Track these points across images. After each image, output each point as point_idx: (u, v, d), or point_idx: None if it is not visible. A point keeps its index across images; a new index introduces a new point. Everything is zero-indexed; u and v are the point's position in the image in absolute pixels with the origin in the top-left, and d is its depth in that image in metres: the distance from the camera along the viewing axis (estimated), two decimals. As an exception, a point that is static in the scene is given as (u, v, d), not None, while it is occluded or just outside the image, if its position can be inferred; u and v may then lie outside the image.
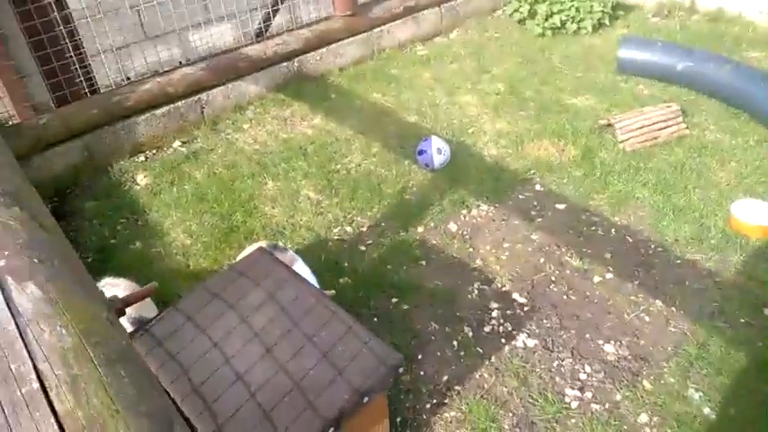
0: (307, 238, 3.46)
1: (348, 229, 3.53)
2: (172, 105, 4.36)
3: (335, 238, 3.47)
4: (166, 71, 4.37)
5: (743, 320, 2.80)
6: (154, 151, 4.31)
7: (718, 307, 2.88)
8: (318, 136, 4.35)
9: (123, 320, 2.45)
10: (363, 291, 3.09)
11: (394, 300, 3.05)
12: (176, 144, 4.33)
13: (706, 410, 2.43)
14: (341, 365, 1.99)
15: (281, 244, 3.00)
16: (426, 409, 2.53)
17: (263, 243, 2.99)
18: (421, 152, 3.92)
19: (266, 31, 4.83)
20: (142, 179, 4.01)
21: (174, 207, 3.71)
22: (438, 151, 3.86)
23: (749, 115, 4.07)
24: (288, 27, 4.93)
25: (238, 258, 2.96)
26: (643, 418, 2.44)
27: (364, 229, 3.53)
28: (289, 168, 4.03)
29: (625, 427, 2.41)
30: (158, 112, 4.32)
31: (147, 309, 2.67)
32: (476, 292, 3.09)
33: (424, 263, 3.28)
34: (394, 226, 3.53)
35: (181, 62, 4.57)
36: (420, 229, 3.51)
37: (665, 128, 4.06)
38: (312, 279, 2.84)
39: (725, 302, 2.89)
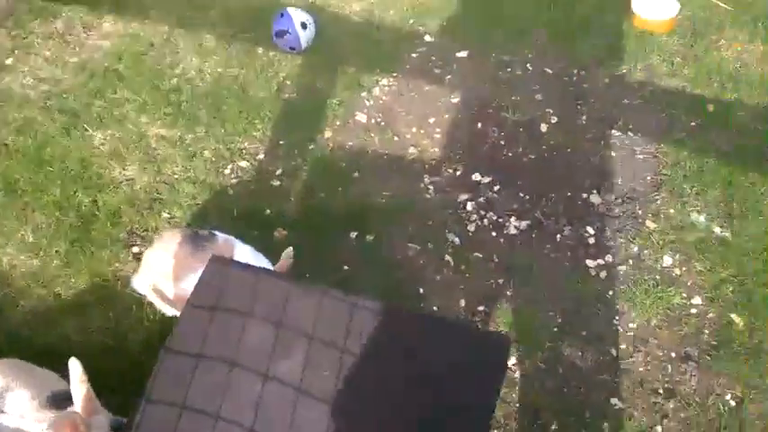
0: (197, 196, 2.60)
1: (242, 164, 2.72)
2: None
3: (233, 181, 2.66)
4: None
5: (693, 123, 2.76)
6: None
7: (667, 118, 2.79)
8: (123, 46, 3.17)
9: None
10: (307, 237, 2.45)
11: (352, 234, 2.48)
12: None
13: (717, 231, 2.40)
14: (449, 385, 1.48)
15: (200, 230, 2.15)
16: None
17: (172, 231, 2.14)
18: (280, 33, 3.05)
19: None
20: None
21: (-22, 219, 2.52)
22: (303, 26, 3.03)
23: None
24: None
25: (136, 279, 2.11)
26: (667, 260, 2.35)
27: (262, 156, 2.75)
28: (110, 105, 2.92)
29: (657, 276, 2.30)
30: None
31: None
32: (431, 188, 2.63)
33: (356, 174, 2.68)
34: (296, 140, 2.80)
35: None
36: (328, 134, 2.83)
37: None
38: (260, 257, 2.13)
39: (671, 110, 2.81)
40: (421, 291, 2.31)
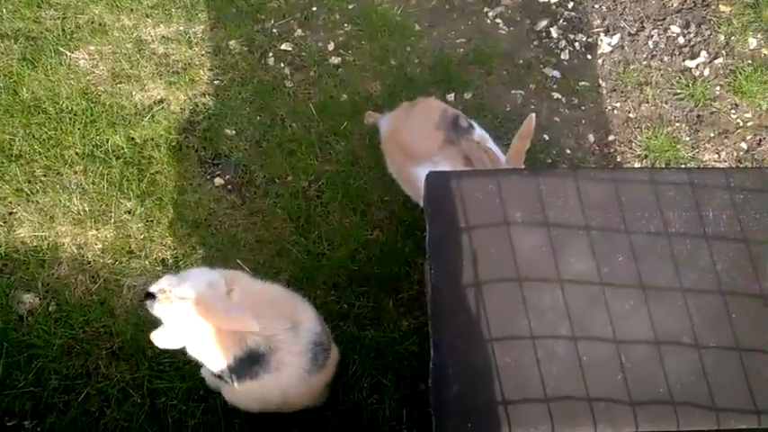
0: (252, 99, 2.16)
1: (284, 46, 2.25)
2: None
3: (285, 70, 2.22)
4: None
5: None
6: None
7: None
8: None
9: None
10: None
11: (449, 96, 2.22)
12: None
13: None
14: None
15: (461, 115, 1.76)
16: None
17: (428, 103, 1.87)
18: None
19: None
20: None
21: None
22: None
23: None
24: None
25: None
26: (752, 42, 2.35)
27: (301, 32, 2.28)
28: (67, 13, 2.24)
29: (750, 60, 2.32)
30: None
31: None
32: (499, 23, 2.36)
33: (417, 27, 2.33)
34: (334, 5, 2.34)
35: None
36: (363, -15, 2.38)
37: None
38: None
39: None
40: (546, 137, 2.18)
